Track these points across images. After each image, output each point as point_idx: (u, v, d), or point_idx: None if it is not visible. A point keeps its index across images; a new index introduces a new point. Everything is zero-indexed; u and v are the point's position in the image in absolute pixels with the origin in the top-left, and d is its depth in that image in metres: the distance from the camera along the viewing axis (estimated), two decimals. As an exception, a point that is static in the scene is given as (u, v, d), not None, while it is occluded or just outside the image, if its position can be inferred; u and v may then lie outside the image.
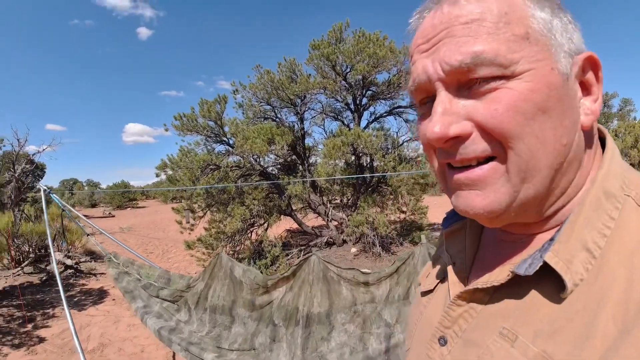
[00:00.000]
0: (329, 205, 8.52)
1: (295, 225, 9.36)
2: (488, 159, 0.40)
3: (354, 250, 7.85)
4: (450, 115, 0.40)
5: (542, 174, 0.39)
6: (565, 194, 0.43)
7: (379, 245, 7.27)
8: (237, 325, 2.56)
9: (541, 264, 0.38)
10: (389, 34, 7.59)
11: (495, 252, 0.49)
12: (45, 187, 3.74)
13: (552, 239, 0.40)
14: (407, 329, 0.64)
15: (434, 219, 12.23)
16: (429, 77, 0.42)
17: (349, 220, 7.27)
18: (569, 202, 0.43)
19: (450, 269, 0.53)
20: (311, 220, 9.42)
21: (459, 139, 0.40)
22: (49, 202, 3.77)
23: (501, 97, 0.38)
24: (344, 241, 8.20)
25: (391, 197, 8.01)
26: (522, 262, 0.40)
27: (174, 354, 4.21)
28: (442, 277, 0.56)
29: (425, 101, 0.46)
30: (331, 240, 8.36)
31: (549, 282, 0.39)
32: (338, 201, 9.67)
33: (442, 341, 0.49)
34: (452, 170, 0.43)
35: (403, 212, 8.05)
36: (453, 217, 0.58)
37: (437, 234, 9.79)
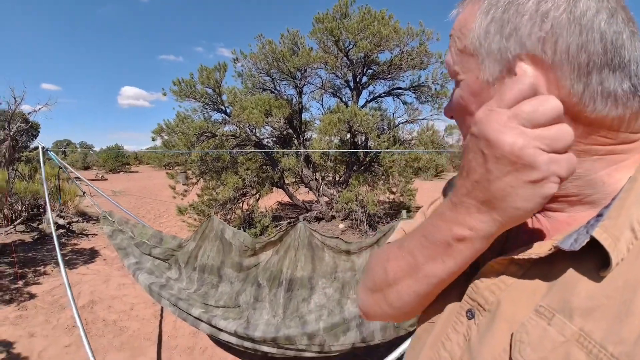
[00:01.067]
0: (320, 181, 8.65)
1: (286, 198, 9.50)
2: None
3: (341, 226, 8.03)
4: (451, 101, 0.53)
5: None
6: (579, 180, 0.43)
7: (367, 223, 7.45)
8: (223, 284, 2.71)
9: (588, 239, 0.38)
10: (394, 13, 7.52)
11: (531, 227, 0.49)
12: (43, 145, 3.79)
13: (599, 215, 0.40)
14: (431, 303, 0.61)
15: (422, 202, 12.45)
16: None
17: (339, 196, 7.42)
18: (594, 187, 0.43)
19: None
20: (302, 195, 9.56)
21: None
22: (46, 160, 3.82)
23: (453, 99, 0.51)
24: (333, 217, 8.38)
25: (382, 177, 8.13)
26: (567, 238, 0.40)
27: (161, 311, 4.40)
28: None
29: None
30: (320, 215, 8.53)
31: (589, 260, 0.39)
32: (330, 178, 9.79)
33: (470, 314, 0.48)
34: None
35: (393, 192, 8.20)
36: None
37: (425, 216, 10.02)
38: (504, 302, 0.44)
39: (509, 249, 0.49)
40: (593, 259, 0.38)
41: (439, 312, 0.56)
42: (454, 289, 0.54)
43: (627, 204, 0.38)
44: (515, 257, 0.44)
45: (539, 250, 0.42)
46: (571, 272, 0.40)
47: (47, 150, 3.84)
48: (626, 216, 0.38)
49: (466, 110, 0.48)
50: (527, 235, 0.49)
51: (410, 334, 2.15)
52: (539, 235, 0.47)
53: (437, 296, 0.58)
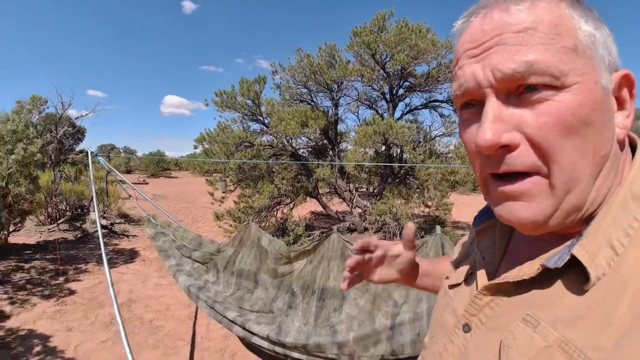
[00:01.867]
0: (354, 192, 8.66)
1: (319, 208, 9.57)
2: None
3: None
4: (500, 122, 0.41)
5: (583, 184, 0.41)
6: (599, 199, 0.44)
7: (400, 236, 7.36)
8: (259, 290, 2.79)
9: (569, 257, 0.41)
10: (432, 26, 7.51)
11: (525, 249, 0.51)
12: (91, 150, 4.07)
13: (580, 235, 0.42)
14: (432, 319, 0.67)
15: (458, 217, 12.10)
16: (478, 83, 0.43)
17: (372, 208, 7.39)
18: (600, 204, 0.44)
19: (479, 262, 0.57)
20: (335, 205, 9.59)
21: (508, 149, 0.41)
22: (93, 163, 4.09)
23: (550, 109, 0.39)
24: (366, 228, 8.34)
25: (417, 190, 8.03)
26: (552, 257, 0.43)
27: (196, 313, 4.55)
28: (471, 272, 0.59)
29: (467, 105, 0.47)
30: (353, 226, 8.52)
31: (574, 275, 0.41)
32: (364, 189, 9.77)
33: (467, 328, 0.51)
34: (496, 179, 0.44)
35: (428, 206, 8.06)
36: (484, 215, 0.61)
37: (460, 232, 9.69)
38: (498, 315, 0.48)
39: (505, 267, 0.52)
40: (578, 274, 0.40)
41: (437, 327, 0.61)
42: (449, 306, 0.59)
43: (604, 225, 0.41)
44: (510, 280, 0.46)
45: (529, 270, 0.45)
46: (557, 286, 0.43)
47: (96, 154, 4.11)
48: (603, 235, 0.40)
49: (586, 121, 0.40)
50: (521, 255, 0.50)
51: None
52: (531, 254, 0.48)
53: (435, 313, 0.65)
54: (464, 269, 0.62)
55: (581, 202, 0.42)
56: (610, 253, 0.40)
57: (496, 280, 0.49)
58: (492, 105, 0.42)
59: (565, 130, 0.39)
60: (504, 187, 0.43)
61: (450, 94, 8.33)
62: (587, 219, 0.44)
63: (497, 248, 0.56)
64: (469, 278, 0.59)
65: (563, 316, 0.40)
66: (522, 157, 0.41)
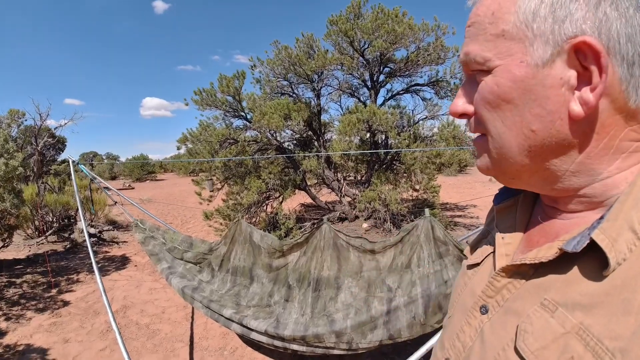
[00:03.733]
0: (342, 181, 8.68)
1: (309, 200, 9.59)
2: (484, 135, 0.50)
3: (365, 225, 8.04)
4: (463, 97, 0.51)
5: (513, 152, 0.46)
6: (604, 180, 0.44)
7: (390, 222, 7.43)
8: (255, 284, 2.79)
9: (588, 241, 0.40)
10: (408, 10, 7.50)
11: (544, 229, 0.51)
12: (73, 159, 3.98)
13: (601, 218, 0.41)
14: (450, 299, 0.67)
15: (446, 198, 12.29)
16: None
17: (361, 196, 7.44)
18: (616, 187, 0.44)
19: (498, 242, 0.56)
20: (325, 196, 9.62)
21: (467, 116, 0.51)
22: (76, 172, 4.00)
23: (480, 89, 0.47)
24: (356, 217, 8.40)
25: (404, 175, 8.09)
26: (571, 240, 0.42)
27: (192, 314, 4.54)
28: (490, 252, 0.59)
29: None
30: (343, 215, 8.56)
31: (593, 259, 0.40)
32: (352, 177, 9.81)
33: (484, 309, 0.52)
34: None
35: (416, 190, 8.14)
36: (504, 193, 0.62)
37: (449, 213, 9.81)
38: (515, 297, 0.48)
39: (524, 248, 0.53)
40: (598, 258, 0.39)
41: (456, 308, 0.62)
42: (467, 286, 0.60)
43: (626, 207, 0.40)
44: (528, 262, 0.47)
45: (547, 253, 0.45)
46: (576, 271, 0.42)
47: (77, 163, 4.02)
48: (624, 219, 0.39)
49: (504, 98, 0.45)
50: (540, 235, 0.52)
51: (436, 330, 2.16)
52: (550, 236, 0.49)
53: (453, 293, 0.66)
54: (483, 249, 0.62)
55: (524, 167, 0.47)
56: (632, 237, 0.38)
57: (514, 262, 0.49)
58: (464, 82, 0.52)
59: (487, 106, 0.47)
60: (474, 141, 0.53)
61: (431, 76, 8.45)
62: (606, 200, 0.44)
63: (517, 228, 0.57)
64: (488, 258, 0.59)
65: (581, 302, 0.40)
66: (472, 123, 0.51)
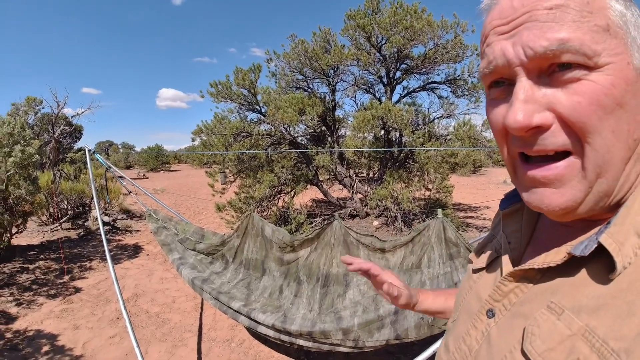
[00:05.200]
0: (354, 178, 8.65)
1: (320, 195, 9.59)
2: (564, 153, 0.41)
3: (376, 223, 8.01)
4: (532, 103, 0.40)
5: (615, 168, 0.40)
6: (627, 185, 0.43)
7: (401, 220, 7.38)
8: (266, 277, 2.81)
9: (596, 245, 0.40)
10: (427, 6, 7.39)
11: (552, 235, 0.51)
12: (89, 148, 4.05)
13: (608, 223, 0.41)
14: (455, 302, 0.67)
15: (459, 198, 12.15)
16: (508, 61, 0.42)
17: (373, 193, 7.40)
18: (628, 191, 0.43)
19: (505, 247, 0.56)
20: (336, 192, 9.61)
21: (540, 129, 0.41)
22: (92, 161, 4.07)
23: (584, 89, 0.38)
24: (367, 214, 8.37)
25: (417, 173, 8.02)
26: (579, 244, 0.42)
27: (202, 304, 4.59)
28: (495, 256, 0.59)
29: (496, 84, 0.46)
30: (354, 212, 8.54)
31: (600, 263, 0.40)
32: (364, 174, 9.77)
33: (490, 313, 0.52)
34: (525, 162, 0.44)
35: (428, 189, 8.06)
36: (511, 198, 0.60)
37: (461, 214, 9.70)
38: (522, 301, 0.48)
39: (531, 253, 0.52)
40: (605, 262, 0.40)
41: (461, 311, 0.62)
42: (472, 290, 0.60)
43: (632, 212, 0.40)
44: (536, 267, 0.46)
45: (555, 257, 0.45)
46: (583, 274, 0.42)
47: (93, 152, 4.08)
48: (631, 223, 0.39)
49: (620, 102, 0.39)
50: (547, 240, 0.51)
51: (443, 332, 2.14)
52: (558, 241, 0.48)
53: (458, 297, 0.66)
54: (488, 253, 0.61)
55: (611, 187, 0.41)
56: (638, 241, 0.39)
57: (522, 267, 0.49)
58: (524, 84, 0.41)
59: (600, 111, 0.38)
60: (534, 171, 0.42)
61: (448, 74, 8.32)
62: (616, 206, 0.43)
63: (524, 233, 0.56)
64: (494, 262, 0.59)
65: (587, 305, 0.40)
66: (554, 137, 0.40)
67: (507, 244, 0.56)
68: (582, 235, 0.45)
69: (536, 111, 0.40)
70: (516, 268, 0.50)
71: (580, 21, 0.38)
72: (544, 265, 0.45)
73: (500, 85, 0.45)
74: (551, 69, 0.40)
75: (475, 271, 0.63)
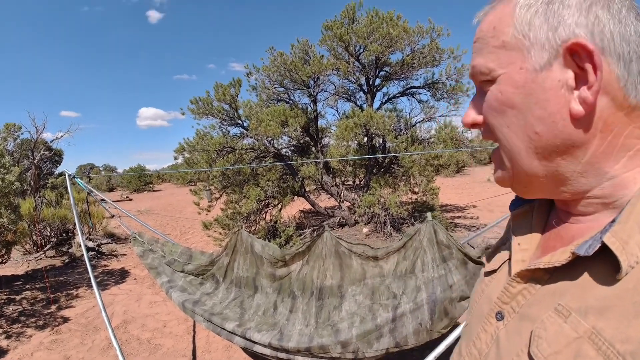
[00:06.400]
0: (341, 186, 8.65)
1: (308, 206, 9.55)
2: None
3: (365, 230, 8.00)
4: (474, 108, 0.54)
5: (521, 155, 0.48)
6: (612, 179, 0.45)
7: (390, 226, 7.40)
8: (259, 295, 2.74)
9: (600, 244, 0.40)
10: (402, 13, 7.51)
11: (560, 234, 0.52)
12: (69, 172, 3.94)
13: (613, 221, 0.41)
14: (469, 306, 0.68)
15: (445, 199, 12.26)
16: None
17: (360, 200, 7.40)
18: (625, 187, 0.44)
19: (514, 248, 0.57)
20: (324, 201, 9.59)
21: (478, 126, 0.54)
22: (72, 186, 3.96)
23: (487, 97, 0.50)
24: (356, 221, 8.35)
25: (403, 178, 8.07)
26: (583, 244, 0.43)
27: (194, 327, 4.47)
28: (507, 259, 0.59)
29: None
30: (343, 220, 8.52)
31: (606, 263, 0.40)
32: (350, 182, 9.78)
33: (499, 316, 0.53)
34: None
35: (415, 192, 8.12)
36: (521, 199, 0.62)
37: (449, 215, 9.78)
38: (530, 303, 0.49)
39: (540, 254, 0.53)
40: (610, 263, 0.40)
41: (473, 315, 0.62)
42: (484, 293, 0.61)
43: (637, 209, 0.40)
44: (542, 267, 0.47)
45: (560, 257, 0.45)
46: (590, 275, 0.42)
47: (74, 176, 3.97)
48: (635, 221, 0.40)
49: (508, 104, 0.48)
50: (554, 240, 0.52)
51: (443, 336, 2.12)
52: (564, 240, 0.50)
53: (471, 301, 0.67)
54: (500, 255, 0.62)
55: (533, 171, 0.48)
56: None
57: (528, 267, 0.50)
58: (474, 95, 0.55)
59: (493, 112, 0.50)
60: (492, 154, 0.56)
61: (427, 79, 8.46)
62: (617, 202, 0.45)
63: (534, 234, 0.57)
64: (505, 264, 0.60)
65: (594, 306, 0.40)
66: (486, 132, 0.53)
67: (517, 245, 0.57)
68: (587, 234, 0.45)
69: (474, 114, 0.54)
70: (523, 269, 0.50)
71: (483, 48, 0.50)
72: (549, 265, 0.46)
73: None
74: (482, 85, 0.52)
75: (488, 274, 0.63)
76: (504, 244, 0.65)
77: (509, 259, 0.58)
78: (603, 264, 0.41)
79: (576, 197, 0.48)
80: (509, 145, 0.49)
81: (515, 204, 0.63)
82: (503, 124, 0.49)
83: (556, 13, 0.43)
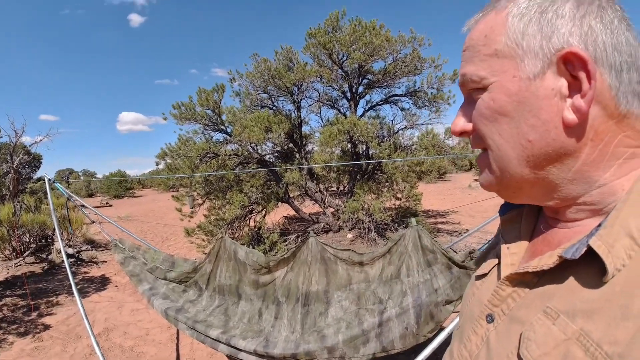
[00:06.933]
0: (325, 193, 8.67)
1: (292, 212, 9.52)
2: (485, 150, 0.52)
3: (350, 236, 8.03)
4: (462, 116, 0.53)
5: (513, 164, 0.48)
6: (601, 187, 0.45)
7: (375, 231, 7.45)
8: (243, 302, 2.72)
9: (586, 248, 0.41)
10: (385, 23, 7.64)
11: (548, 239, 0.53)
12: (49, 177, 3.84)
13: (599, 225, 0.42)
14: (460, 310, 0.69)
15: (428, 205, 12.44)
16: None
17: (345, 206, 7.43)
18: (613, 194, 0.45)
19: (504, 252, 0.58)
20: (308, 207, 9.58)
21: (466, 134, 0.53)
22: (52, 190, 3.86)
23: (478, 105, 0.50)
24: (340, 227, 8.38)
25: (386, 184, 8.15)
26: (570, 247, 0.43)
27: (177, 335, 4.39)
28: (497, 263, 0.60)
29: None
30: (328, 226, 8.53)
31: (593, 267, 0.41)
32: (334, 188, 9.82)
33: (490, 318, 0.54)
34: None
35: (398, 198, 8.21)
36: (510, 204, 0.63)
37: (431, 220, 9.89)
38: (520, 306, 0.49)
39: (528, 258, 0.54)
40: (597, 266, 0.40)
41: (464, 318, 0.63)
42: (475, 296, 0.61)
43: (622, 215, 0.41)
44: (530, 270, 0.48)
45: (548, 261, 0.46)
46: (578, 277, 0.43)
47: (53, 181, 3.87)
48: (621, 225, 0.40)
49: (500, 112, 0.47)
50: (542, 245, 0.53)
51: (429, 340, 2.15)
52: (552, 244, 0.51)
53: (462, 304, 0.67)
54: (491, 260, 0.63)
55: (524, 177, 0.48)
56: (630, 243, 0.39)
57: (517, 270, 0.51)
58: (462, 103, 0.55)
59: (484, 119, 0.49)
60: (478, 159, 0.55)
61: (408, 87, 8.61)
62: (605, 208, 0.45)
63: (522, 238, 0.58)
64: (495, 268, 0.61)
65: (582, 308, 0.41)
66: (474, 140, 0.53)
67: (506, 249, 0.58)
68: (575, 239, 0.46)
69: (463, 122, 0.54)
70: (512, 272, 0.51)
71: (474, 56, 0.50)
72: (537, 268, 0.47)
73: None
74: (471, 92, 0.52)
75: (478, 278, 0.64)
76: (494, 248, 0.66)
77: (499, 263, 0.59)
78: (590, 267, 0.42)
79: (565, 203, 0.49)
80: (500, 153, 0.49)
81: (505, 209, 0.64)
82: (495, 132, 0.48)
83: (550, 22, 0.44)
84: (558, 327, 0.42)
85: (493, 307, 0.53)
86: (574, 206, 0.48)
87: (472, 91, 0.51)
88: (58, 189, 4.02)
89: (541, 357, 0.42)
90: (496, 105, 0.47)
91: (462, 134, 0.54)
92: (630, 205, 0.41)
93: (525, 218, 0.60)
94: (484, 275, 0.62)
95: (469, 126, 0.53)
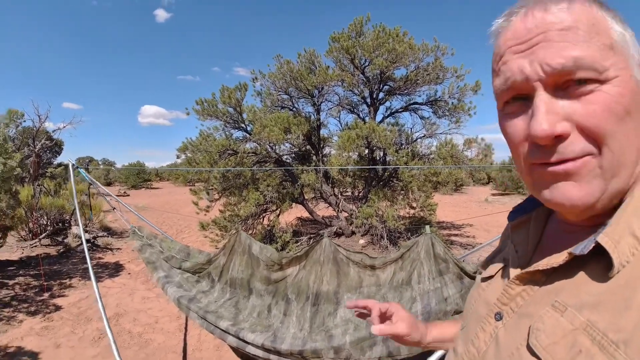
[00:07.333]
0: (340, 197, 8.69)
1: (306, 214, 9.57)
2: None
3: (362, 241, 8.02)
4: (552, 114, 0.44)
5: (628, 169, 0.45)
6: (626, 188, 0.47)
7: (387, 238, 7.42)
8: (253, 297, 2.77)
9: (594, 244, 0.43)
10: (409, 30, 7.65)
11: (556, 242, 0.54)
12: (73, 162, 3.98)
13: (605, 224, 0.45)
14: (464, 311, 0.71)
15: (443, 216, 12.30)
16: (527, 77, 0.45)
17: (358, 212, 7.44)
18: (625, 193, 0.46)
19: (513, 254, 0.60)
20: (322, 210, 9.61)
21: (559, 139, 0.44)
22: (76, 176, 3.99)
23: (597, 99, 0.43)
24: (353, 232, 8.38)
25: (402, 192, 8.12)
26: (579, 245, 0.46)
27: (186, 324, 4.47)
28: (504, 266, 0.62)
29: (511, 100, 0.49)
30: (340, 230, 8.54)
31: (600, 263, 0.44)
32: (349, 193, 9.83)
33: (498, 316, 0.55)
34: (545, 166, 0.46)
35: (412, 207, 8.16)
36: (519, 211, 0.65)
37: (445, 232, 9.77)
38: (529, 303, 0.51)
39: (537, 258, 0.55)
40: (603, 262, 0.43)
41: (469, 318, 0.65)
42: (481, 297, 0.63)
43: (626, 214, 0.44)
44: (541, 268, 0.50)
45: (558, 259, 0.49)
46: (584, 274, 0.46)
47: (77, 167, 4.01)
48: (625, 223, 0.43)
49: (628, 110, 0.43)
50: (551, 247, 0.54)
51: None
52: (561, 246, 0.52)
53: (467, 305, 0.70)
54: (497, 263, 0.65)
55: (623, 186, 0.45)
56: (633, 242, 0.42)
57: (527, 269, 0.53)
58: (543, 97, 0.45)
59: (613, 117, 0.42)
60: (555, 167, 0.45)
61: (429, 96, 8.57)
62: (613, 209, 0.46)
63: (531, 242, 0.60)
64: (502, 271, 0.62)
65: (588, 301, 0.43)
66: (573, 145, 0.44)
67: (515, 252, 0.60)
68: (583, 239, 0.48)
69: (557, 121, 0.44)
70: (522, 271, 0.54)
71: (589, 41, 0.43)
72: (547, 266, 0.49)
73: (516, 101, 0.49)
74: (567, 84, 0.44)
75: (484, 280, 0.66)
76: (500, 252, 0.69)
77: (507, 265, 0.61)
78: (597, 263, 0.44)
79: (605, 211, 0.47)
80: (623, 157, 0.44)
81: (514, 215, 0.66)
82: (620, 132, 0.43)
83: (631, 35, 0.46)
84: (566, 319, 0.44)
85: (502, 306, 0.55)
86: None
87: (572, 82, 0.44)
88: (81, 174, 4.17)
89: (550, 345, 0.44)
90: (626, 101, 0.43)
91: (558, 137, 0.44)
92: (633, 206, 0.44)
93: (534, 222, 0.62)
94: (490, 277, 0.64)
95: (567, 127, 0.44)
